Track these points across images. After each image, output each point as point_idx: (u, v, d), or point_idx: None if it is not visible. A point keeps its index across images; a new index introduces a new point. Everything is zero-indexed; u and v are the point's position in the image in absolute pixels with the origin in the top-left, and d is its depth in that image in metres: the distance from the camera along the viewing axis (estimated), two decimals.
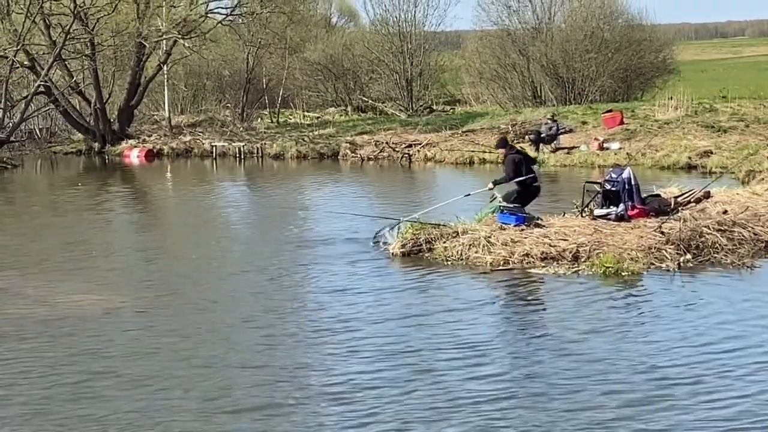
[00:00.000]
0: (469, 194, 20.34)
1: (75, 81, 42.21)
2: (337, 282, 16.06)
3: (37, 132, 45.85)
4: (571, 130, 36.90)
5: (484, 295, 15.27)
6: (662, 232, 17.36)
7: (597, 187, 19.62)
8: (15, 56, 38.48)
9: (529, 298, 15.37)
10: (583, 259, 16.68)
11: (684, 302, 14.31)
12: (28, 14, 38.29)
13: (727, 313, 13.63)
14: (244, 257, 18.71)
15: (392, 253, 17.92)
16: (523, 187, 18.98)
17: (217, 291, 15.83)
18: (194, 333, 13.19)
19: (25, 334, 13.18)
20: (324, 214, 22.89)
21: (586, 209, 19.22)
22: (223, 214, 25.91)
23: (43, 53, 41.04)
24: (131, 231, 23.27)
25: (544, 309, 14.53)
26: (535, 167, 19.61)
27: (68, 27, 39.42)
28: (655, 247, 16.82)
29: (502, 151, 19.76)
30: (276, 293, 15.55)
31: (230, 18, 45.95)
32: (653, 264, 16.38)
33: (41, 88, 40.03)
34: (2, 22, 39.20)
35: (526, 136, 35.74)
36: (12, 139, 40.85)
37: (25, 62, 40.00)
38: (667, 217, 18.38)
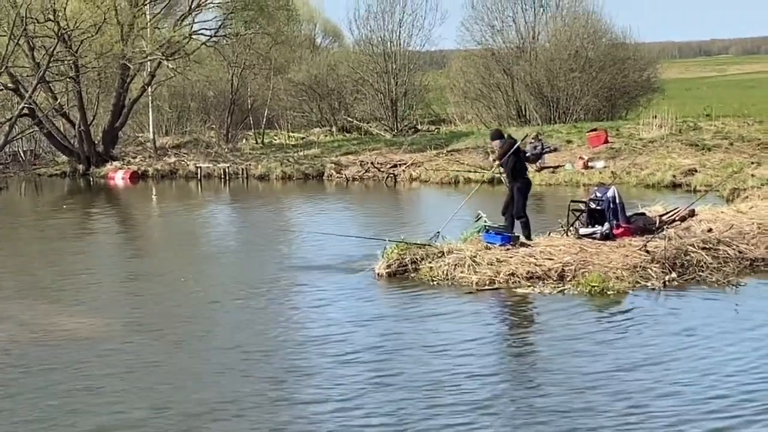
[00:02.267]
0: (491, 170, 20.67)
1: (59, 103, 42.09)
2: (335, 308, 15.74)
3: (22, 154, 45.65)
4: (555, 149, 36.97)
5: (488, 319, 15.05)
6: (647, 251, 17.37)
7: (582, 206, 19.65)
8: None
9: (535, 321, 15.13)
10: (568, 279, 16.66)
11: (704, 326, 14.06)
12: (12, 36, 38.15)
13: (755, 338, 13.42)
14: (238, 282, 18.34)
15: (378, 274, 17.86)
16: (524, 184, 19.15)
17: (218, 319, 15.42)
18: (212, 367, 12.58)
19: (9, 361, 12.91)
20: (310, 236, 22.78)
21: (571, 228, 19.22)
22: (211, 237, 25.72)
23: (27, 75, 40.95)
24: (119, 255, 23.03)
25: (557, 333, 13.97)
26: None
27: (52, 49, 39.35)
28: (640, 266, 16.82)
29: (497, 143, 19.64)
30: (275, 322, 15.13)
31: (214, 39, 45.90)
32: (639, 283, 16.38)
33: (25, 111, 39.91)
34: None
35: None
36: None
37: (9, 84, 39.91)
38: (652, 236, 18.38)
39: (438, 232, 19.40)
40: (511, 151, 19.08)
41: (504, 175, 20.04)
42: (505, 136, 20.15)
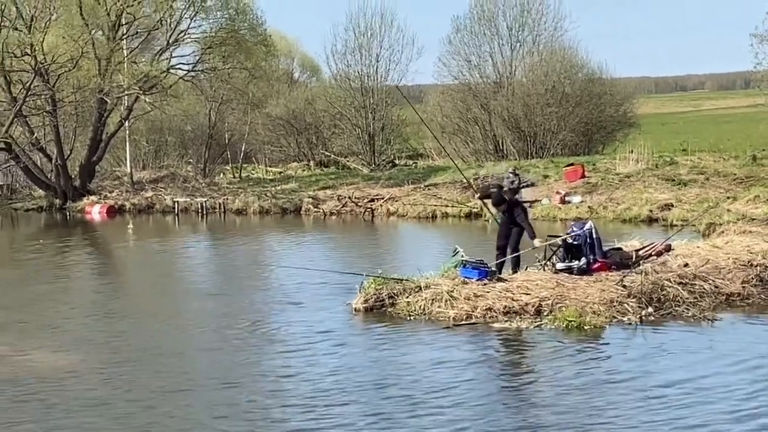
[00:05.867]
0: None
1: (36, 137, 42.05)
2: (314, 350, 15.22)
3: None
4: (533, 184, 37.09)
5: (471, 358, 14.62)
6: (624, 286, 17.37)
7: (559, 241, 19.66)
8: None
9: (516, 358, 14.89)
10: (545, 313, 16.63)
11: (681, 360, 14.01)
12: None
13: None
14: (216, 319, 17.94)
15: (355, 309, 17.78)
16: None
17: (198, 360, 15.15)
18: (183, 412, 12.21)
19: None
20: (288, 271, 22.61)
21: (548, 263, 19.23)
22: (190, 274, 25.34)
23: (4, 110, 40.89)
24: (96, 292, 22.58)
25: (540, 371, 13.77)
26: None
27: (29, 83, 39.36)
28: (617, 301, 16.81)
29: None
30: (265, 362, 14.73)
31: (192, 74, 45.99)
32: (615, 317, 16.36)
33: (2, 145, 39.82)
34: None
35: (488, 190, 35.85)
36: None
37: None
38: (628, 271, 18.40)
39: (456, 249, 19.34)
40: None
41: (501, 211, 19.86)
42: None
